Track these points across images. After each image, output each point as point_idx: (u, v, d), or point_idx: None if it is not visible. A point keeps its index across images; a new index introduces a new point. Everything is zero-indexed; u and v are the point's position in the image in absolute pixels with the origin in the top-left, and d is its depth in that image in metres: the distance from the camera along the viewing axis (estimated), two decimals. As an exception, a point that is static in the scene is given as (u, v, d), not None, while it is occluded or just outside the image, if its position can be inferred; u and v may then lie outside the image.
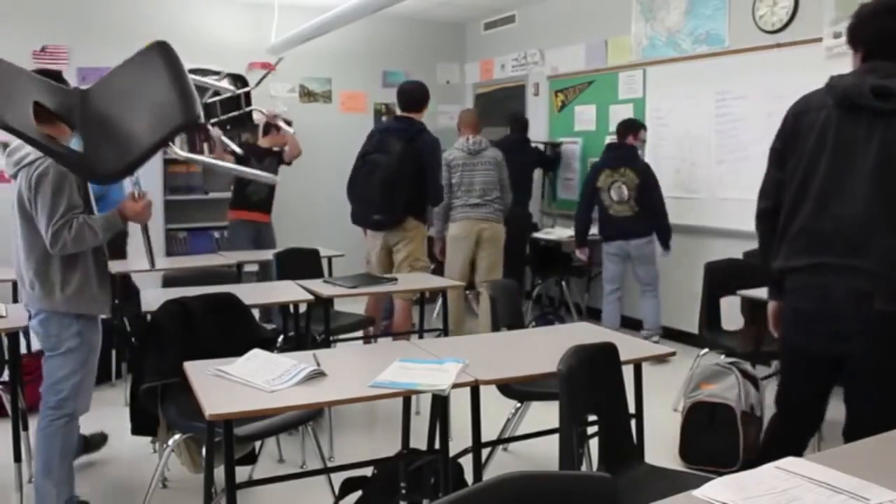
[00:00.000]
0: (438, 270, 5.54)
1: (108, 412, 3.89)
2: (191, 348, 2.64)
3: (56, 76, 2.74)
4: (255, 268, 5.63)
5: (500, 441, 3.26)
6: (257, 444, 3.11)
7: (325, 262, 4.92)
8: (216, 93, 5.17)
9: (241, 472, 2.95)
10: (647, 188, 5.23)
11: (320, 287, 3.82)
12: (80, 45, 6.48)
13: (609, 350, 2.29)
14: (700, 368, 3.71)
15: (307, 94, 7.59)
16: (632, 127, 5.44)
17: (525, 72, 7.42)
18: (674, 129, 5.72)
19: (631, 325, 5.77)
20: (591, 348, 2.24)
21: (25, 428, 3.16)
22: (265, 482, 2.48)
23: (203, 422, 2.08)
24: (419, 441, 2.91)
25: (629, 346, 2.56)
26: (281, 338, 3.93)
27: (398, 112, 4.97)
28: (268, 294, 3.87)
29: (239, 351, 2.43)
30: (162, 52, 2.48)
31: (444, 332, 4.40)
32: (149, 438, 3.29)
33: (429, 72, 7.87)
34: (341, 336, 4.51)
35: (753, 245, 4.57)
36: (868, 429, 1.71)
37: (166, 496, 3.15)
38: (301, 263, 4.58)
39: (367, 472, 2.84)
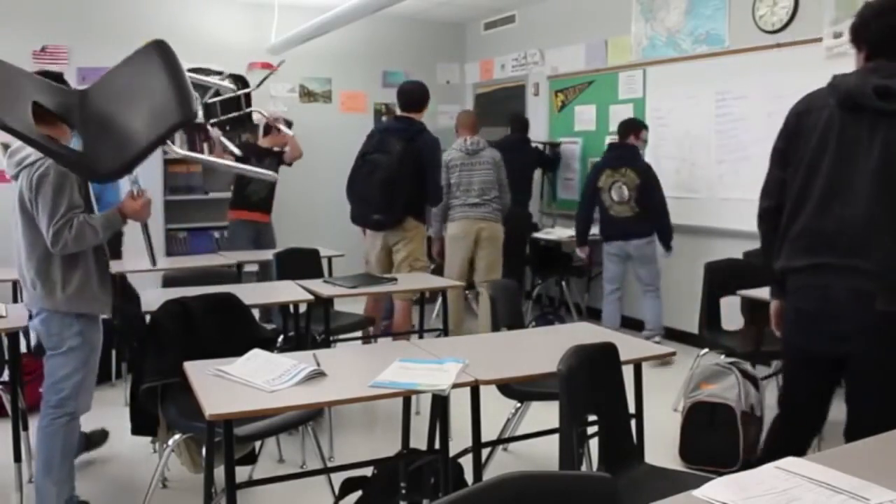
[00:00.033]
0: (438, 270, 5.54)
1: (108, 412, 3.89)
2: (191, 348, 2.64)
3: (57, 78, 2.76)
4: (255, 268, 5.63)
5: (500, 441, 3.26)
6: (257, 444, 3.12)
7: (325, 262, 4.92)
8: (217, 93, 5.17)
9: (241, 472, 2.95)
10: (648, 189, 5.21)
11: (320, 287, 3.82)
12: (80, 45, 6.48)
13: (609, 350, 2.29)
14: (700, 368, 3.71)
15: (307, 94, 7.59)
16: (633, 127, 5.42)
17: (525, 72, 7.42)
18: (674, 129, 5.72)
19: (632, 325, 5.76)
20: (591, 348, 2.24)
21: (25, 428, 3.17)
22: (265, 482, 2.48)
23: (203, 422, 2.08)
24: (419, 441, 2.91)
25: (629, 346, 2.56)
26: (281, 338, 3.93)
27: (398, 112, 4.97)
28: (268, 294, 3.88)
29: (239, 351, 2.43)
30: (159, 51, 2.49)
31: (444, 332, 4.40)
32: (149, 438, 3.29)
33: (429, 72, 7.87)
34: (341, 336, 4.50)
35: (753, 245, 4.60)
36: (869, 429, 1.71)
37: (166, 496, 3.15)
38: (301, 263, 4.58)
39: (367, 472, 2.84)
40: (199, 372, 2.28)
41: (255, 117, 5.73)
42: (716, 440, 3.38)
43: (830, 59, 4.56)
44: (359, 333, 4.65)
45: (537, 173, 6.84)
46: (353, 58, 7.71)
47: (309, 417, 2.87)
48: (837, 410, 2.41)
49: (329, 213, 6.93)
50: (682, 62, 5.66)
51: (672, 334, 5.46)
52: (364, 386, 2.19)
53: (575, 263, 6.47)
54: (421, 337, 4.52)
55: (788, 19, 4.87)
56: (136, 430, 3.01)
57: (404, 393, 2.34)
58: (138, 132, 2.39)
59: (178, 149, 2.76)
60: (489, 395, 2.55)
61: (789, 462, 1.47)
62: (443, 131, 6.08)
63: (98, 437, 3.57)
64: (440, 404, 2.47)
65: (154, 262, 2.94)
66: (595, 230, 5.56)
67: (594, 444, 2.52)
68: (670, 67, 5.76)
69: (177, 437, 2.78)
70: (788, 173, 2.36)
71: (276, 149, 5.88)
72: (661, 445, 3.47)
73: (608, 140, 6.34)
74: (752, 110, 5.12)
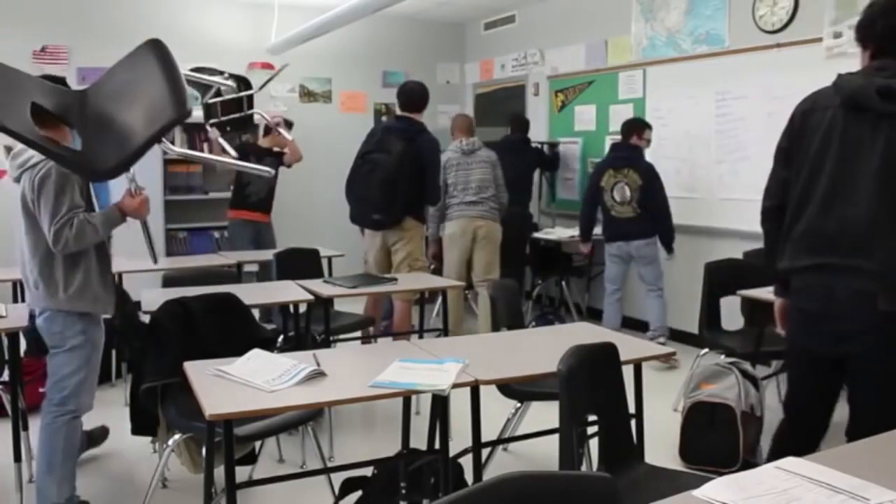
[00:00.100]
0: (438, 270, 5.54)
1: (108, 412, 3.89)
2: (191, 348, 2.64)
3: (59, 82, 2.79)
4: (254, 268, 5.63)
5: (500, 441, 3.26)
6: (257, 444, 3.12)
7: (324, 262, 4.92)
8: (218, 93, 5.16)
9: (241, 472, 2.95)
10: (651, 190, 5.18)
11: (320, 287, 3.82)
12: (80, 45, 6.48)
13: (609, 350, 2.29)
14: (700, 368, 3.70)
15: (307, 94, 7.59)
16: (635, 127, 5.38)
17: (525, 72, 7.42)
18: (674, 129, 5.72)
19: (633, 325, 5.76)
20: (591, 348, 2.24)
21: (25, 428, 3.17)
22: (265, 482, 2.48)
23: (203, 422, 2.08)
24: (419, 441, 2.91)
25: (629, 346, 2.56)
26: (281, 338, 3.92)
27: (398, 112, 4.97)
28: (268, 294, 3.87)
29: (239, 351, 2.43)
30: (155, 50, 2.51)
31: (444, 332, 4.40)
32: (149, 438, 3.29)
33: (429, 72, 7.87)
34: (341, 336, 4.50)
35: (753, 245, 4.61)
36: (871, 429, 1.71)
37: (166, 496, 3.15)
38: (301, 263, 4.58)
39: (367, 472, 2.84)
40: (199, 372, 2.28)
41: (256, 118, 5.72)
42: (716, 440, 3.38)
43: (830, 59, 4.56)
44: (359, 333, 4.65)
45: (537, 173, 6.84)
46: (353, 58, 7.71)
47: (309, 417, 2.87)
48: (838, 410, 2.41)
49: (329, 213, 6.94)
50: (682, 62, 5.66)
51: (672, 334, 5.46)
52: (364, 386, 2.19)
53: (575, 263, 6.47)
54: (421, 337, 4.53)
55: (788, 19, 4.87)
56: (136, 430, 3.02)
57: (404, 393, 2.34)
58: (135, 130, 2.41)
59: (172, 146, 2.78)
60: (489, 395, 2.55)
61: (789, 462, 1.47)
62: (442, 131, 6.08)
63: (98, 435, 3.58)
64: (440, 404, 2.47)
65: (155, 259, 2.96)
66: (598, 230, 5.56)
67: (594, 444, 2.52)
68: (670, 67, 5.76)
69: (177, 437, 2.78)
70: (792, 173, 2.35)
71: (276, 149, 5.88)
72: (661, 445, 3.47)
73: (608, 140, 6.35)
74: (752, 110, 5.12)
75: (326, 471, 2.84)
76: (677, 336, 5.45)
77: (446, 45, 8.23)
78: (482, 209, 5.32)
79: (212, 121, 5.31)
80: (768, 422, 3.46)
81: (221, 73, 5.34)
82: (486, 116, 7.96)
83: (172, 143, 6.78)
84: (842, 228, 2.21)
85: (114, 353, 4.52)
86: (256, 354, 2.39)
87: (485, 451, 2.73)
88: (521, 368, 2.44)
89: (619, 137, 5.55)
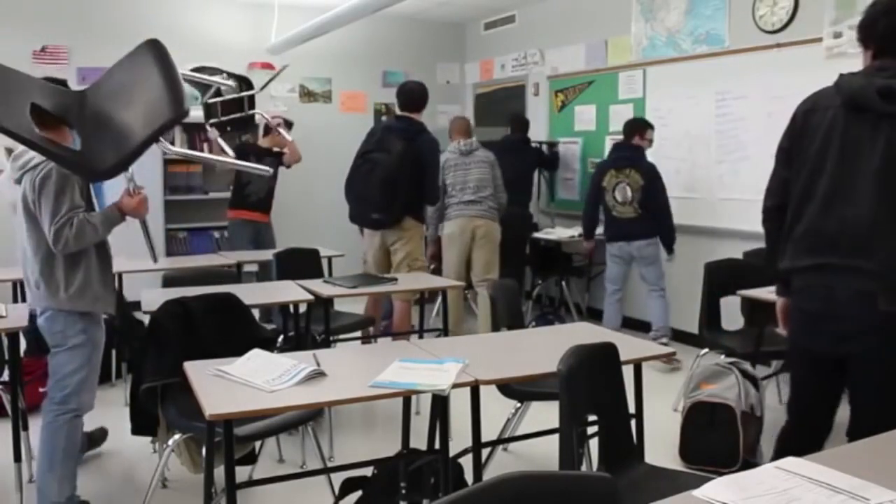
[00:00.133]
0: (438, 270, 5.55)
1: (108, 412, 3.89)
2: (191, 348, 2.64)
3: (60, 85, 2.81)
4: (254, 268, 5.63)
5: (500, 441, 3.26)
6: (257, 444, 3.12)
7: (324, 262, 4.92)
8: (218, 92, 5.16)
9: (241, 472, 2.95)
10: (652, 190, 5.16)
11: (320, 287, 3.82)
12: (80, 45, 6.48)
13: (609, 350, 2.29)
14: (700, 368, 3.70)
15: (307, 94, 7.59)
16: (638, 127, 5.35)
17: (525, 72, 7.42)
18: (674, 129, 5.72)
19: (634, 325, 5.76)
20: (591, 348, 2.24)
21: (25, 428, 3.17)
22: (265, 482, 2.48)
23: (203, 422, 2.08)
24: (419, 441, 2.91)
25: (629, 346, 2.56)
26: (281, 338, 3.92)
27: (397, 111, 4.97)
28: (268, 294, 3.87)
29: (239, 351, 2.43)
30: (153, 50, 2.53)
31: (444, 331, 4.40)
32: (149, 438, 3.29)
33: (429, 72, 7.87)
34: (341, 336, 4.50)
35: (753, 245, 4.61)
36: (871, 429, 1.71)
37: (166, 496, 3.15)
38: (301, 263, 4.58)
39: (367, 472, 2.84)
40: (199, 372, 2.28)
41: (257, 118, 5.72)
42: (716, 440, 3.38)
43: (830, 59, 4.56)
44: (359, 333, 4.65)
45: (537, 173, 6.84)
46: (353, 58, 7.71)
47: (309, 417, 2.87)
48: (840, 410, 2.41)
49: (329, 213, 6.93)
50: (682, 62, 5.66)
51: (672, 334, 5.45)
52: (364, 386, 2.19)
53: (575, 263, 6.47)
54: (421, 337, 4.53)
55: (788, 19, 4.87)
56: (136, 430, 3.02)
57: (404, 393, 2.34)
58: (133, 130, 2.43)
59: (169, 145, 2.79)
60: (489, 395, 2.55)
61: (789, 462, 1.47)
62: (442, 131, 6.08)
63: (98, 436, 3.59)
64: (440, 404, 2.47)
65: (155, 258, 2.98)
66: (599, 229, 5.55)
67: (594, 444, 2.52)
68: (670, 67, 5.76)
69: (177, 437, 2.78)
70: (793, 173, 2.36)
71: (275, 149, 5.88)
72: (661, 445, 3.47)
73: (608, 140, 6.35)
74: (752, 110, 5.12)
75: (326, 471, 2.84)
76: (677, 336, 5.44)
77: (446, 45, 8.23)
78: (480, 208, 5.32)
79: (212, 121, 5.31)
80: (768, 422, 3.46)
81: (224, 72, 5.34)
82: (486, 116, 7.97)
83: (172, 142, 6.82)
84: (842, 228, 2.21)
85: (114, 353, 4.52)
86: (256, 354, 2.39)
87: (485, 451, 2.73)
88: (521, 368, 2.44)
89: (619, 137, 5.55)
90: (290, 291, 3.78)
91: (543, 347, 2.58)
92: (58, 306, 2.79)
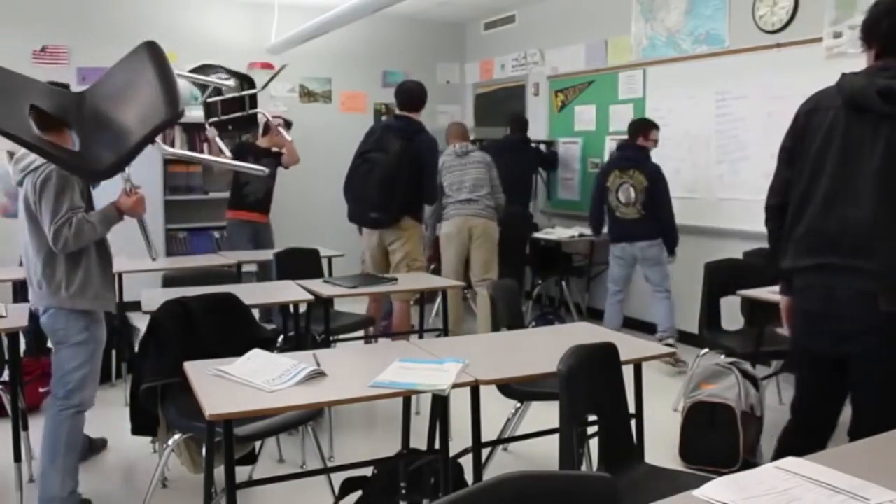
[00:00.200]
0: (437, 271, 5.55)
1: (108, 412, 3.90)
2: (191, 348, 2.64)
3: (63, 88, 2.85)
4: (253, 268, 5.63)
5: (500, 441, 3.26)
6: (257, 444, 3.12)
7: (324, 262, 4.92)
8: (218, 92, 5.16)
9: (241, 472, 2.95)
10: (656, 191, 5.10)
11: (320, 287, 3.82)
12: (80, 45, 6.49)
13: (609, 350, 2.29)
14: (700, 368, 3.70)
15: (307, 94, 7.59)
16: (642, 127, 5.29)
17: (525, 72, 7.42)
18: (674, 129, 5.72)
19: (635, 326, 5.74)
20: (591, 348, 2.24)
21: (25, 428, 3.17)
22: (265, 482, 2.48)
23: (203, 422, 2.08)
24: (419, 441, 2.91)
25: (629, 346, 2.56)
26: (281, 338, 3.92)
27: (396, 111, 4.98)
28: (268, 294, 3.87)
29: (239, 351, 2.43)
30: (150, 52, 2.56)
31: (444, 331, 4.40)
32: (149, 438, 3.29)
33: (429, 72, 7.87)
34: (341, 336, 4.50)
35: (753, 245, 4.61)
36: (872, 429, 1.72)
37: (166, 496, 3.15)
38: (301, 263, 4.58)
39: (367, 472, 2.84)
40: (199, 372, 2.28)
41: (259, 117, 5.72)
42: (716, 440, 3.38)
43: (830, 59, 4.56)
44: (358, 333, 4.65)
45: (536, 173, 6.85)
46: (353, 58, 7.71)
47: (309, 417, 2.87)
48: (843, 411, 2.41)
49: (329, 213, 6.93)
50: (682, 62, 5.66)
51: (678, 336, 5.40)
52: (364, 386, 2.19)
53: (575, 263, 6.47)
54: (421, 337, 4.53)
55: (788, 19, 4.87)
56: (136, 430, 3.02)
57: (404, 393, 2.34)
58: (130, 131, 2.46)
59: (168, 147, 2.82)
60: (489, 395, 2.55)
61: (789, 462, 1.47)
62: (442, 131, 6.09)
63: (99, 445, 3.61)
64: (440, 404, 2.47)
65: (153, 256, 3.01)
66: (604, 230, 5.54)
67: (594, 444, 2.52)
68: (670, 67, 5.76)
69: (177, 437, 2.78)
70: (794, 172, 2.36)
71: (274, 149, 5.88)
72: (661, 445, 3.47)
73: (608, 140, 6.35)
74: (752, 110, 5.12)
75: (326, 471, 2.84)
76: (677, 336, 5.42)
77: (446, 45, 8.23)
78: (477, 207, 5.33)
79: (211, 119, 5.31)
80: (768, 422, 3.46)
81: (226, 70, 5.34)
82: (486, 116, 7.97)
83: (172, 142, 6.82)
84: (843, 229, 2.21)
85: (114, 353, 4.52)
86: (256, 354, 2.39)
87: (485, 451, 2.72)
88: (521, 368, 2.44)
89: (619, 137, 5.55)
90: (290, 291, 3.78)
91: (543, 347, 2.58)
92: (59, 305, 2.83)
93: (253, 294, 3.58)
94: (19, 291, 4.24)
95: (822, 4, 4.65)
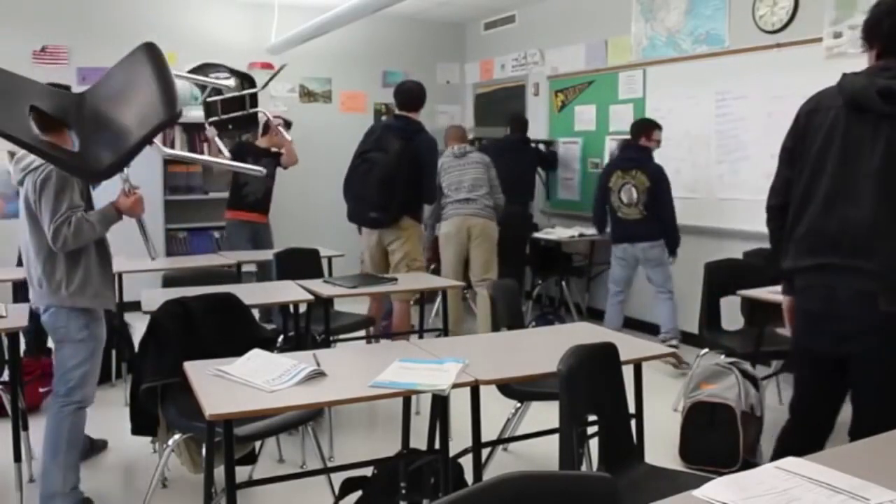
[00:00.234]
0: (437, 271, 5.55)
1: (108, 412, 3.90)
2: (191, 348, 2.64)
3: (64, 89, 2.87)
4: (252, 268, 5.63)
5: (500, 441, 3.26)
6: (257, 444, 3.12)
7: (324, 262, 4.92)
8: (218, 91, 5.15)
9: (241, 472, 2.95)
10: (658, 192, 5.07)
11: (320, 287, 3.82)
12: (80, 45, 6.49)
13: (609, 350, 2.29)
14: (700, 368, 3.71)
15: (307, 94, 7.59)
16: (645, 128, 5.26)
17: (525, 72, 7.42)
18: (674, 129, 5.71)
19: (637, 326, 5.73)
20: (591, 348, 2.24)
21: (25, 428, 3.17)
22: (265, 482, 2.48)
23: (203, 422, 2.08)
24: (419, 441, 2.91)
25: (629, 346, 2.56)
26: (281, 338, 3.92)
27: (396, 111, 4.98)
28: (268, 294, 3.87)
29: (239, 351, 2.43)
30: (148, 53, 2.58)
31: (444, 331, 4.40)
32: (149, 438, 3.29)
33: (429, 72, 7.87)
34: (341, 336, 4.50)
35: (753, 245, 4.61)
36: (872, 429, 1.72)
37: (166, 496, 3.15)
38: (301, 263, 4.58)
39: (367, 472, 2.84)
40: (199, 372, 2.28)
41: (259, 116, 5.72)
42: (716, 440, 3.38)
43: (830, 59, 4.56)
44: (358, 333, 4.64)
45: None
46: (353, 58, 7.71)
47: (309, 417, 2.87)
48: (843, 410, 2.41)
49: (329, 214, 6.93)
50: (682, 62, 5.66)
51: (682, 337, 5.38)
52: (364, 386, 2.19)
53: (575, 263, 6.47)
54: (421, 337, 4.53)
55: (788, 19, 4.87)
56: (136, 430, 3.02)
57: (404, 393, 2.34)
58: (128, 132, 2.48)
59: (166, 148, 2.84)
60: (489, 395, 2.55)
61: (789, 462, 1.47)
62: (442, 131, 6.09)
63: (100, 445, 3.62)
64: (440, 404, 2.47)
65: (153, 255, 3.03)
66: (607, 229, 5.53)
67: (594, 444, 2.52)
68: (670, 67, 5.76)
69: (177, 437, 2.78)
70: (795, 172, 2.36)
71: (273, 149, 5.88)
72: (661, 445, 3.47)
73: (608, 140, 6.35)
74: (752, 110, 5.12)
75: (326, 471, 2.84)
76: (681, 337, 5.41)
77: (446, 45, 8.23)
78: (475, 207, 5.34)
79: (211, 119, 5.30)
80: (768, 422, 3.46)
81: (227, 68, 5.34)
82: (486, 116, 7.97)
83: (172, 142, 6.82)
84: (843, 229, 2.21)
85: (114, 353, 4.51)
86: (256, 354, 2.39)
87: (485, 451, 2.73)
88: (521, 368, 2.44)
89: (618, 137, 5.54)
90: (290, 291, 3.78)
91: (543, 347, 2.58)
92: (59, 303, 2.86)
93: (253, 294, 3.59)
94: (19, 291, 4.24)
95: (822, 4, 4.65)
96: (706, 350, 4.14)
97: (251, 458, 3.10)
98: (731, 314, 4.30)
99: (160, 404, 2.84)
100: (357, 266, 5.59)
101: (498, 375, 2.41)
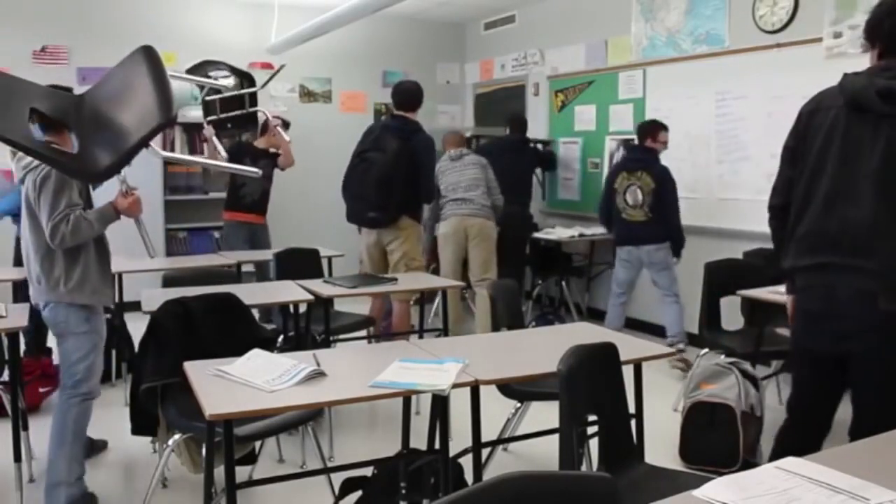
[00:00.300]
0: (437, 271, 5.55)
1: (108, 412, 3.90)
2: (191, 348, 2.64)
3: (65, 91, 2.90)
4: (251, 268, 5.62)
5: (500, 441, 3.26)
6: (257, 444, 3.12)
7: (324, 262, 4.92)
8: (217, 91, 5.16)
9: (241, 472, 2.95)
10: (664, 193, 5.02)
11: (320, 287, 3.82)
12: (80, 45, 6.49)
13: (609, 350, 2.29)
14: (700, 368, 3.71)
15: (307, 94, 7.59)
16: (650, 129, 5.19)
17: (525, 72, 7.42)
18: (674, 129, 5.68)
19: (639, 327, 5.72)
20: (591, 348, 2.24)
21: (25, 428, 3.17)
22: (265, 482, 2.48)
23: (203, 422, 2.08)
24: (419, 441, 2.91)
25: (629, 346, 2.56)
26: (281, 338, 3.92)
27: (393, 111, 4.98)
28: (268, 294, 3.87)
29: (239, 351, 2.43)
30: (146, 56, 2.61)
31: (444, 331, 4.40)
32: (149, 438, 3.29)
33: (429, 72, 7.87)
34: (341, 336, 4.50)
35: (753, 245, 4.61)
36: (872, 429, 1.72)
37: (166, 496, 3.15)
38: (301, 263, 4.58)
39: (367, 472, 2.84)
40: (199, 372, 2.28)
41: (259, 115, 5.72)
42: (716, 440, 3.38)
43: (830, 59, 4.56)
44: (358, 333, 4.64)
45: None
46: (353, 58, 7.71)
47: (309, 417, 2.87)
48: (841, 410, 2.41)
49: (329, 213, 6.92)
50: (682, 62, 5.66)
51: (688, 340, 5.35)
52: (364, 386, 2.19)
53: (575, 263, 6.47)
54: (421, 337, 4.53)
55: (788, 19, 4.87)
56: (136, 430, 3.02)
57: (404, 393, 2.34)
58: (125, 134, 2.50)
59: (162, 151, 2.85)
60: (489, 395, 2.55)
61: (789, 462, 1.47)
62: (441, 131, 6.09)
63: (100, 445, 3.62)
64: (440, 404, 2.47)
65: (152, 254, 3.04)
66: (602, 230, 5.51)
67: (594, 444, 2.52)
68: (670, 67, 5.76)
69: (177, 437, 2.78)
70: (796, 172, 2.36)
71: (271, 150, 5.88)
72: (661, 445, 3.47)
73: (608, 140, 6.35)
74: (752, 110, 5.12)
75: (326, 471, 2.83)
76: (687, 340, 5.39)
77: (446, 45, 8.23)
78: (473, 207, 5.35)
79: (209, 118, 5.30)
80: (768, 422, 3.46)
81: (227, 67, 5.34)
82: (486, 116, 7.97)
83: (172, 142, 6.82)
84: (843, 228, 2.22)
85: (114, 353, 4.51)
86: (256, 354, 2.39)
87: (485, 451, 2.73)
88: (521, 368, 2.44)
89: (618, 137, 5.53)
90: (290, 291, 3.78)
91: (543, 347, 2.58)
92: (58, 299, 2.90)
93: (253, 294, 3.59)
94: (19, 291, 4.25)
95: (822, 4, 4.65)
96: (706, 350, 4.13)
97: (251, 458, 3.10)
98: (731, 314, 4.30)
99: (160, 404, 2.84)
100: (356, 266, 5.59)
101: (498, 375, 2.41)
